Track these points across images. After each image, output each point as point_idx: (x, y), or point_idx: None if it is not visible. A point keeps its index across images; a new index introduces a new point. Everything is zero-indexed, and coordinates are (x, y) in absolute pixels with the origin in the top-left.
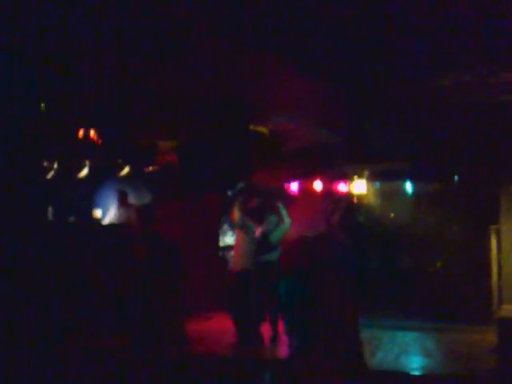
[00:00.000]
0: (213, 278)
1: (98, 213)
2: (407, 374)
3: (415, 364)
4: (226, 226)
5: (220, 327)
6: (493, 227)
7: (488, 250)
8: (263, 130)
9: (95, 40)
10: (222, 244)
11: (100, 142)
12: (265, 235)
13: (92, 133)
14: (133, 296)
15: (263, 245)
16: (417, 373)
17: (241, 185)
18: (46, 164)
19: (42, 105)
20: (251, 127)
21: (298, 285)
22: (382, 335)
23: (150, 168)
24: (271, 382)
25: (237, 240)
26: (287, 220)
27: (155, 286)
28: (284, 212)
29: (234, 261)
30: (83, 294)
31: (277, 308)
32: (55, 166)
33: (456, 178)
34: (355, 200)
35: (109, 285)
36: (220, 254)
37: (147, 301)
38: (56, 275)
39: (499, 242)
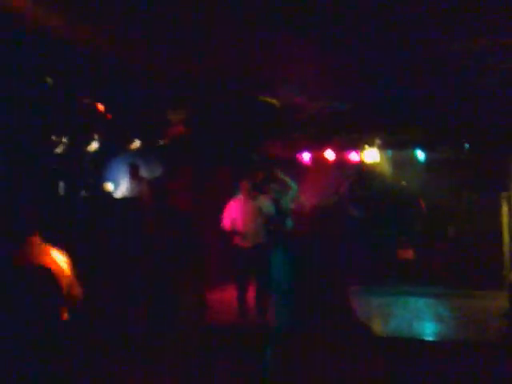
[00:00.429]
0: (226, 249)
1: (109, 186)
2: (420, 340)
3: (427, 330)
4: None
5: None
6: (504, 194)
7: (499, 216)
8: (273, 101)
9: (104, 12)
10: None
11: (109, 115)
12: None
13: (101, 106)
14: (147, 269)
15: (273, 215)
16: (429, 339)
17: (254, 157)
18: (54, 138)
19: (49, 80)
20: (261, 98)
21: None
22: (394, 302)
23: (161, 141)
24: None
25: (243, 214)
26: (294, 186)
27: (171, 258)
28: (288, 179)
29: (243, 236)
30: (96, 267)
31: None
32: (64, 140)
33: (467, 146)
34: (365, 170)
35: (122, 258)
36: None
37: (163, 274)
38: (69, 250)
39: (510, 208)
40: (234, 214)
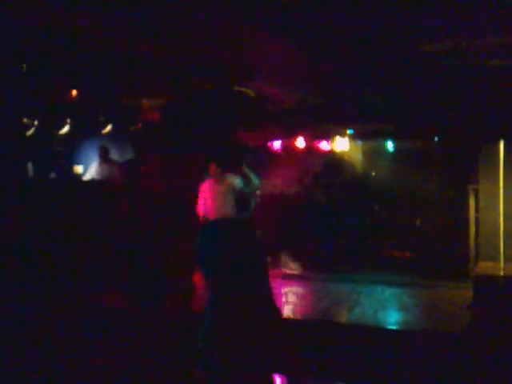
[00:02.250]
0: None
1: (79, 169)
2: (384, 329)
3: (392, 319)
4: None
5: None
6: (471, 187)
7: (466, 209)
8: (248, 91)
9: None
10: None
11: (81, 100)
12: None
13: (74, 91)
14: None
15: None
16: (394, 328)
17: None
18: (26, 121)
19: (24, 66)
20: (236, 88)
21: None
22: (361, 290)
23: (133, 126)
24: None
25: (214, 196)
26: (255, 181)
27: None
28: (251, 174)
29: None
30: (68, 251)
31: None
32: (35, 122)
33: (436, 138)
34: (334, 159)
35: (94, 240)
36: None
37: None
38: (38, 233)
39: (477, 201)
40: (205, 196)
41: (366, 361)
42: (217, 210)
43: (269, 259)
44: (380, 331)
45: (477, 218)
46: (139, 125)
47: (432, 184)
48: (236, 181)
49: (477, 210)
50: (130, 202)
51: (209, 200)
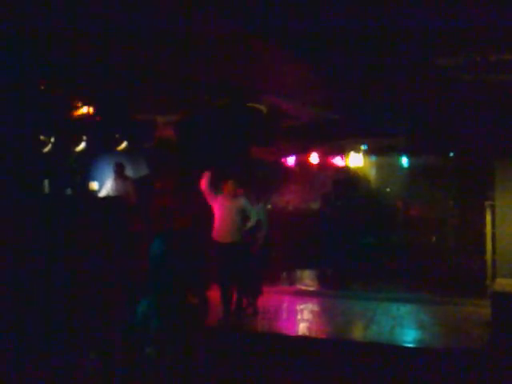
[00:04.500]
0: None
1: (94, 185)
2: (401, 347)
3: (409, 337)
4: None
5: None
6: (487, 203)
7: (483, 225)
8: (261, 107)
9: (92, 18)
10: None
11: (98, 117)
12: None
13: (90, 108)
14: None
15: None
16: (411, 346)
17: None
18: (42, 138)
19: (42, 87)
20: (249, 105)
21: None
22: (376, 308)
23: (148, 143)
24: None
25: (222, 211)
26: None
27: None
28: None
29: (220, 234)
30: (81, 265)
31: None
32: (52, 140)
33: (451, 153)
34: (348, 175)
35: (106, 256)
36: None
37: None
38: (53, 247)
39: (493, 217)
40: (216, 210)
41: (382, 380)
42: (224, 227)
43: (283, 275)
44: (397, 349)
45: (493, 234)
46: (154, 142)
47: (448, 200)
48: (245, 201)
49: (493, 226)
50: (145, 217)
51: (218, 214)
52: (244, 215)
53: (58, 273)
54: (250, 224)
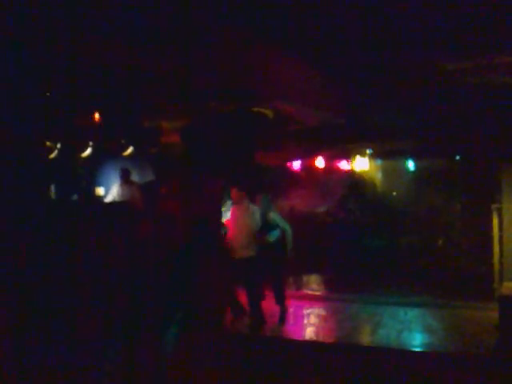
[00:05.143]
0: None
1: (100, 191)
2: (409, 351)
3: (417, 341)
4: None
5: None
6: (494, 206)
7: (490, 228)
8: (267, 112)
9: (98, 25)
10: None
11: (103, 123)
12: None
13: (96, 114)
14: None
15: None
16: (418, 350)
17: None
18: (48, 144)
19: (48, 94)
20: (255, 110)
21: None
22: (384, 312)
23: (154, 149)
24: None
25: (235, 224)
26: (287, 226)
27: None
28: (279, 219)
29: (236, 248)
30: (87, 271)
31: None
32: (58, 145)
33: (458, 157)
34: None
35: (113, 262)
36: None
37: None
38: (59, 253)
39: (501, 220)
40: (230, 222)
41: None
42: (238, 235)
43: (290, 280)
44: (404, 353)
45: (500, 237)
46: (159, 147)
47: (454, 203)
48: (256, 208)
49: (500, 229)
50: (151, 223)
51: (232, 228)
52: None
53: (63, 278)
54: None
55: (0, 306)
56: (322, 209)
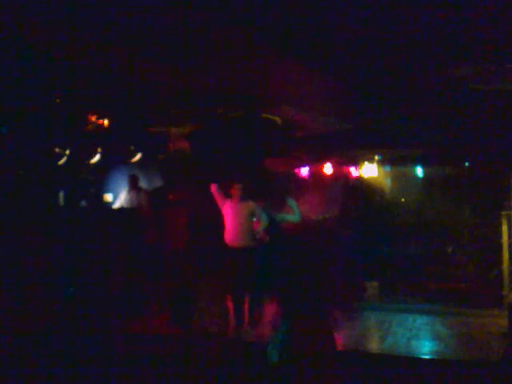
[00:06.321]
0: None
1: (108, 197)
2: (418, 359)
3: (426, 348)
4: None
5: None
6: (503, 213)
7: (499, 235)
8: (276, 118)
9: (106, 30)
10: None
11: (112, 130)
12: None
13: (105, 121)
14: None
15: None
16: (428, 357)
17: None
18: (58, 150)
19: (58, 100)
20: (264, 116)
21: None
22: (392, 319)
23: (162, 155)
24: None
25: (232, 215)
26: (297, 215)
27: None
28: (295, 206)
29: (231, 237)
30: (96, 277)
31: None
32: (67, 152)
33: (467, 163)
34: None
35: (120, 267)
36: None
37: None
38: (68, 259)
39: (510, 227)
40: (225, 214)
41: None
42: (234, 232)
43: None
44: (413, 361)
45: (510, 244)
46: (167, 153)
47: (463, 210)
48: (255, 206)
49: (510, 236)
50: (158, 228)
51: (228, 219)
52: (254, 218)
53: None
54: (261, 226)
55: None
56: (327, 215)
